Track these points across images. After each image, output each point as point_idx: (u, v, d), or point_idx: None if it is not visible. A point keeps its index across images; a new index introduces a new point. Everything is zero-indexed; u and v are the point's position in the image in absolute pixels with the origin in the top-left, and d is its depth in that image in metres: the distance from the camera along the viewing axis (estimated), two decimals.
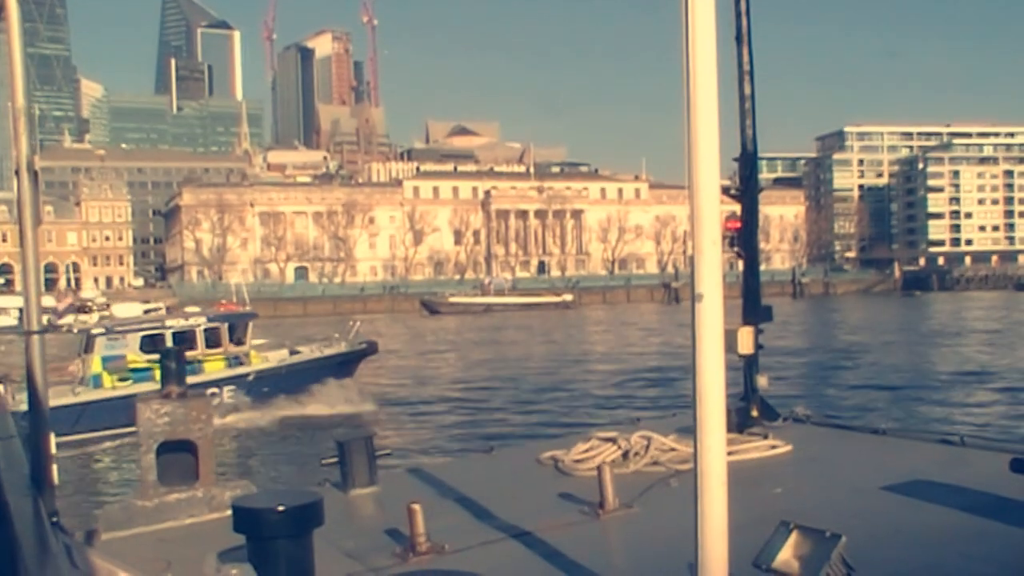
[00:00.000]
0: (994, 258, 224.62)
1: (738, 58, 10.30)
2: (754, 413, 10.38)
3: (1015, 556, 6.09)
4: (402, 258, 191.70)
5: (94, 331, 34.50)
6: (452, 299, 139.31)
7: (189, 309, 37.99)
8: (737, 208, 10.60)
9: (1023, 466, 6.43)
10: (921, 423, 25.88)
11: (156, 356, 31.98)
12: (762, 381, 10.41)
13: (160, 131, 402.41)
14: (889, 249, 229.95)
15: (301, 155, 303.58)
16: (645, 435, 9.08)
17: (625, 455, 8.96)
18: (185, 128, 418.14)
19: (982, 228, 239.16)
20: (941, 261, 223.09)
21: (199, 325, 35.47)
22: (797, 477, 8.58)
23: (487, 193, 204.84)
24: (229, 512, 5.26)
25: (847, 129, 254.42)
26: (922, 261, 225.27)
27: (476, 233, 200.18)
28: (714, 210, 3.85)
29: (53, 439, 6.55)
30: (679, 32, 3.80)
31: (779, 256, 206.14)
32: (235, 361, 35.63)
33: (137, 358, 33.03)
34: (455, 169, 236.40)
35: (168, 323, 35.71)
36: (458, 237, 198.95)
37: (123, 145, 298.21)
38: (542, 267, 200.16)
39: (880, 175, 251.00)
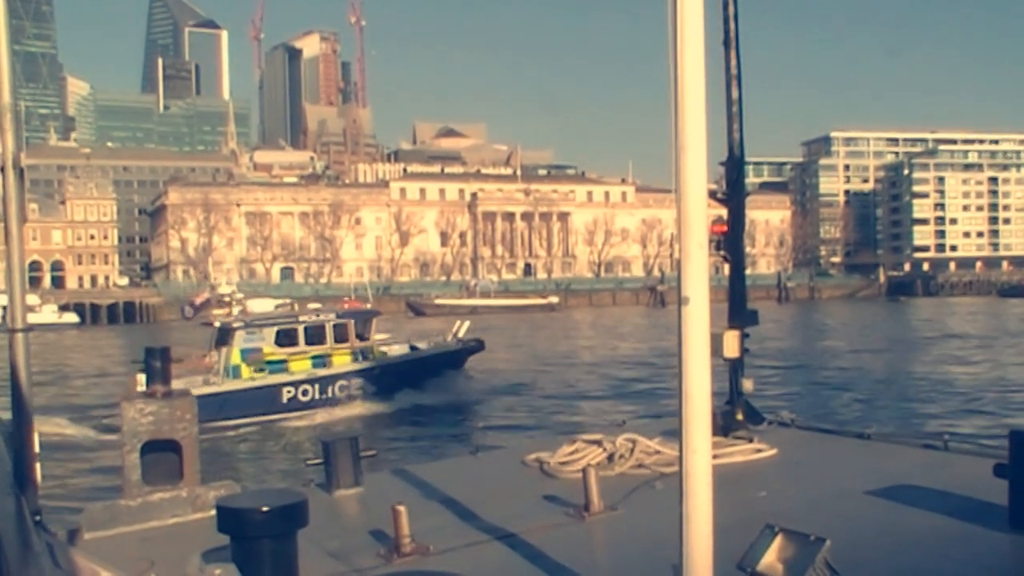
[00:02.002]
0: (978, 264, 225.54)
1: (726, 62, 10.33)
2: (739, 417, 10.41)
3: (998, 560, 6.12)
4: (388, 259, 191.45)
5: (234, 324, 35.84)
6: (438, 300, 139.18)
7: (312, 306, 40.08)
8: (723, 212, 10.64)
9: (1006, 470, 6.46)
10: (905, 427, 25.95)
11: (291, 349, 34.65)
12: (747, 385, 10.44)
13: (146, 130, 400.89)
14: (874, 254, 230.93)
15: (288, 155, 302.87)
16: (630, 438, 9.10)
17: (610, 457, 8.98)
18: (171, 127, 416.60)
19: (967, 234, 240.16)
20: (926, 267, 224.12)
21: (329, 321, 36.99)
22: (782, 480, 8.61)
23: (474, 195, 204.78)
24: (213, 512, 5.25)
25: (833, 134, 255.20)
26: (907, 267, 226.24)
27: (462, 235, 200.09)
28: (701, 214, 3.86)
29: (34, 435, 6.51)
30: (667, 36, 3.80)
31: (764, 261, 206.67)
32: (361, 355, 37.09)
33: (272, 351, 35.03)
34: (442, 170, 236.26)
35: (301, 318, 37.18)
36: (444, 239, 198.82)
37: (109, 144, 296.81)
38: (528, 269, 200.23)
39: (866, 180, 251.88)
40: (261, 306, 39.38)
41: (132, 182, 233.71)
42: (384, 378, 36.55)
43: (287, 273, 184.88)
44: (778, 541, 4.59)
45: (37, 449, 6.53)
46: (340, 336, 36.66)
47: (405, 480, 9.22)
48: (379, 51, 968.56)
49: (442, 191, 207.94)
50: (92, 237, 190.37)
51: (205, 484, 8.07)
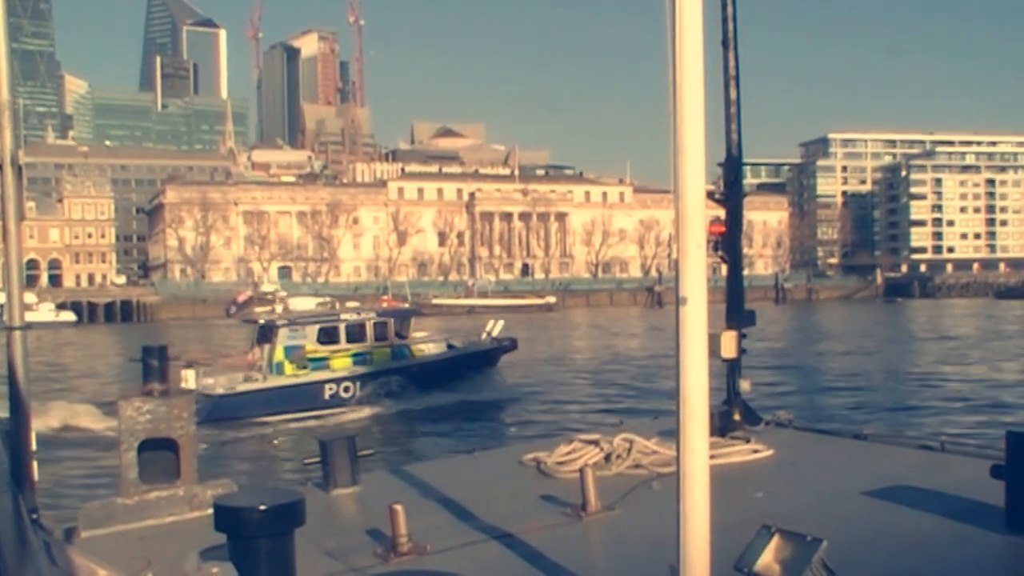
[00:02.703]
0: (975, 266, 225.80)
1: (724, 63, 10.32)
2: (736, 417, 10.41)
3: (995, 561, 6.12)
4: (386, 259, 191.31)
5: (278, 322, 36.49)
6: (435, 300, 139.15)
7: (351, 305, 40.94)
8: (721, 213, 10.63)
9: (1003, 472, 6.46)
10: (902, 428, 25.97)
11: (332, 347, 35.54)
12: (745, 385, 10.45)
13: (144, 128, 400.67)
14: (871, 256, 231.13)
15: (286, 154, 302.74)
16: (628, 438, 9.09)
17: (608, 457, 8.97)
18: (169, 126, 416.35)
19: (964, 236, 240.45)
20: (923, 268, 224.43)
21: (369, 319, 37.94)
22: (779, 481, 8.61)
23: (471, 195, 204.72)
24: (210, 511, 5.24)
25: (831, 136, 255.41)
26: (904, 268, 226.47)
27: (460, 235, 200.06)
28: (699, 214, 3.86)
29: (31, 434, 6.51)
30: (666, 36, 3.81)
31: (762, 262, 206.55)
32: (400, 352, 37.96)
33: (315, 348, 35.96)
34: (440, 170, 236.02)
35: (343, 317, 37.99)
36: (442, 238, 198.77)
37: (107, 142, 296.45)
38: (526, 269, 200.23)
39: (863, 182, 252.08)
40: (303, 304, 40.19)
41: (130, 181, 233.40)
42: (423, 376, 37.24)
43: (284, 272, 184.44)
44: (775, 541, 4.59)
45: (34, 447, 6.53)
46: (380, 334, 37.55)
47: (402, 479, 9.22)
48: (377, 51, 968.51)
49: (440, 191, 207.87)
50: (90, 236, 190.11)
51: (202, 483, 8.07)
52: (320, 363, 35.92)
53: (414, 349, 38.80)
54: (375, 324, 37.70)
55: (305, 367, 35.62)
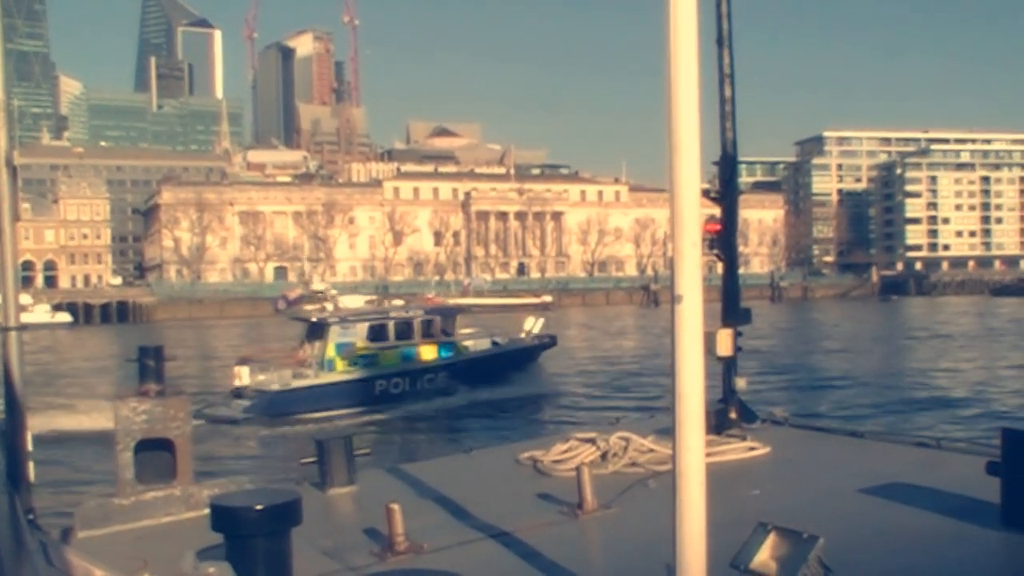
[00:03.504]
0: (971, 263, 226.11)
1: (719, 61, 10.33)
2: (732, 415, 10.42)
3: (991, 557, 6.13)
4: (382, 258, 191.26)
5: (330, 320, 37.09)
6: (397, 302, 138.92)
7: (396, 303, 41.58)
8: (717, 211, 10.65)
9: (999, 469, 6.48)
10: (898, 426, 26.01)
11: (381, 344, 36.21)
12: (740, 383, 10.45)
13: (140, 129, 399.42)
14: (867, 254, 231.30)
15: (281, 154, 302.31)
16: (624, 436, 9.11)
17: (604, 456, 8.98)
18: (165, 126, 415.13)
19: (959, 233, 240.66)
20: (919, 266, 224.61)
21: (417, 317, 38.73)
22: (775, 479, 8.62)
23: (467, 194, 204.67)
24: (207, 510, 5.24)
25: (826, 134, 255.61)
26: (900, 266, 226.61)
27: (456, 234, 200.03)
28: (694, 213, 3.87)
29: (28, 434, 6.51)
30: (662, 35, 3.82)
31: (758, 260, 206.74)
32: (446, 349, 38.76)
33: (365, 345, 36.62)
34: (436, 170, 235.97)
35: (392, 314, 38.68)
36: (438, 238, 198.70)
37: (102, 143, 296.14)
38: (522, 269, 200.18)
39: (859, 180, 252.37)
40: (352, 302, 40.63)
41: (125, 181, 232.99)
42: (469, 372, 38.02)
43: (280, 273, 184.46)
44: (771, 539, 4.60)
45: (30, 448, 6.53)
46: (427, 331, 38.30)
47: (399, 478, 9.22)
48: (373, 51, 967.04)
49: (436, 190, 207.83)
50: (85, 236, 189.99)
51: (199, 483, 8.07)
52: (370, 360, 36.63)
53: (460, 346, 39.60)
54: (422, 321, 38.48)
55: (355, 364, 36.33)
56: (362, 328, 37.04)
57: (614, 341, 77.12)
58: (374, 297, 42.40)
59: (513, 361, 40.10)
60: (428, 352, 38.11)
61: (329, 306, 39.01)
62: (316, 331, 37.18)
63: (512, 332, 43.68)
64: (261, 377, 35.90)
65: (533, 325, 42.51)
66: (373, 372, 36.49)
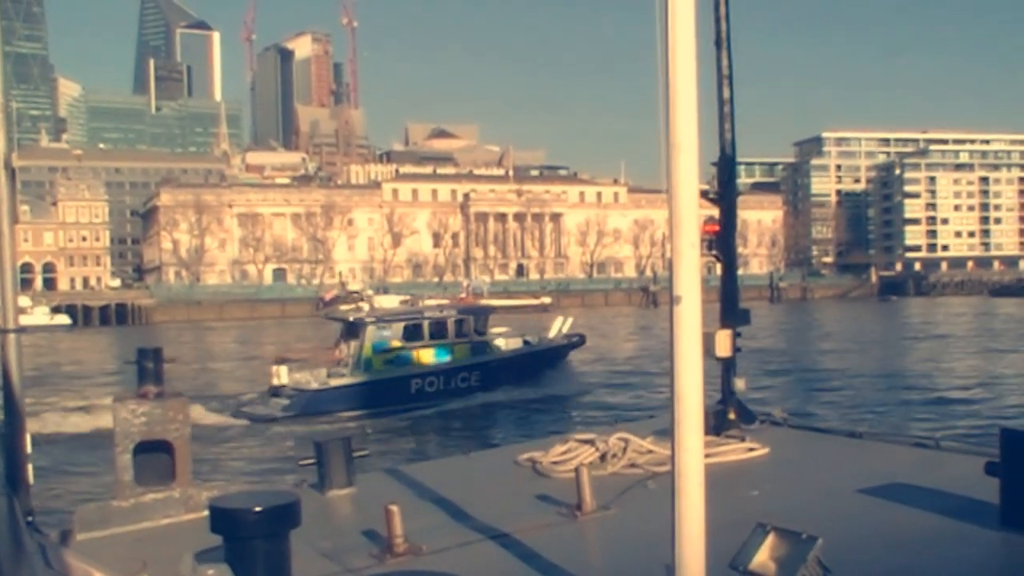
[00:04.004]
0: (970, 263, 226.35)
1: (717, 62, 10.33)
2: (731, 416, 10.41)
3: (990, 558, 6.14)
4: (380, 260, 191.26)
5: (367, 320, 37.61)
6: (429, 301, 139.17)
7: (429, 302, 42.01)
8: (715, 212, 10.64)
9: (998, 469, 6.48)
10: (897, 426, 26.03)
11: (416, 343, 36.84)
12: (739, 384, 10.45)
13: (138, 131, 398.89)
14: (866, 254, 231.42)
15: (280, 156, 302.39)
16: (623, 437, 9.10)
17: (603, 457, 8.97)
18: (163, 128, 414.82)
19: (958, 234, 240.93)
20: (918, 266, 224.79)
21: (451, 316, 39.24)
22: (774, 479, 8.61)
23: (466, 196, 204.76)
24: (206, 512, 5.23)
25: (825, 134, 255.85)
26: (899, 266, 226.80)
27: (455, 236, 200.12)
28: (693, 214, 3.87)
29: (26, 436, 6.50)
30: (659, 36, 3.81)
31: (757, 261, 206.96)
32: (479, 348, 39.28)
33: (401, 345, 37.29)
34: (434, 171, 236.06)
35: (426, 314, 39.10)
36: (437, 240, 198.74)
37: (101, 145, 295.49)
38: (521, 270, 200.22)
39: (857, 180, 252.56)
40: (388, 302, 40.89)
41: (124, 183, 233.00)
42: (502, 371, 38.67)
43: (279, 274, 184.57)
44: (770, 540, 4.60)
45: (29, 450, 6.53)
46: (461, 331, 38.87)
47: (398, 480, 9.22)
48: (371, 52, 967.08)
49: (434, 192, 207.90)
50: (84, 239, 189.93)
51: (198, 485, 8.07)
52: (405, 359, 37.23)
53: (492, 345, 40.17)
54: (456, 321, 39.00)
55: (392, 362, 36.90)
56: (398, 328, 37.62)
57: (629, 342, 77.15)
58: (408, 297, 42.82)
59: (544, 360, 40.68)
60: (462, 351, 38.67)
61: (365, 306, 39.47)
62: (352, 331, 37.66)
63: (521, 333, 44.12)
64: (299, 376, 36.73)
65: (563, 324, 42.98)
66: (409, 371, 37.05)
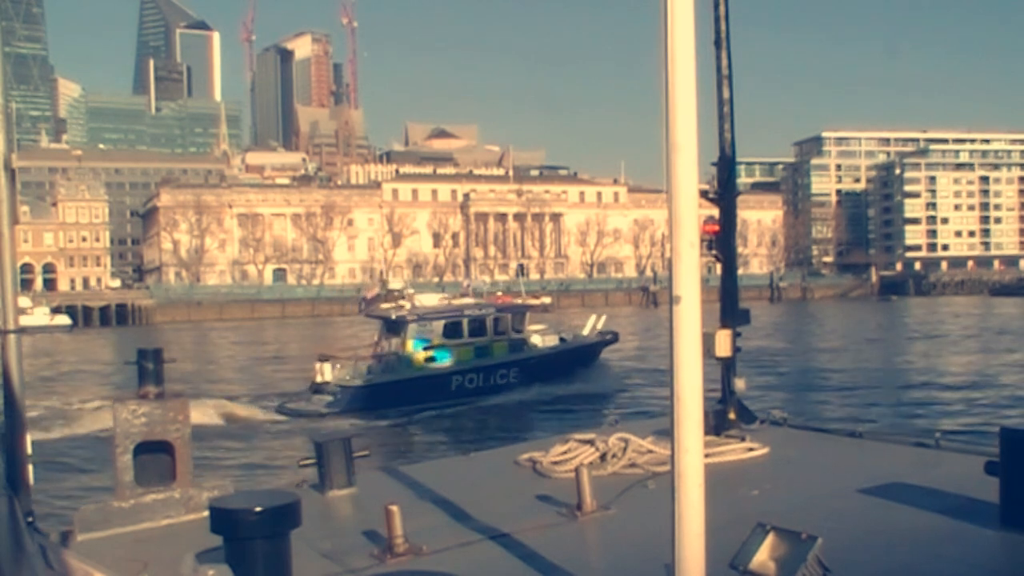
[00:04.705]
0: (970, 263, 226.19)
1: (717, 62, 10.33)
2: (731, 416, 10.42)
3: (989, 557, 6.14)
4: (380, 260, 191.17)
5: (408, 318, 38.32)
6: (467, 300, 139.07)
7: (466, 300, 42.50)
8: (715, 212, 10.65)
9: (997, 468, 6.48)
10: (897, 426, 26.01)
11: (456, 341, 37.62)
12: (739, 384, 10.45)
13: (138, 132, 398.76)
14: (866, 254, 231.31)
15: (280, 156, 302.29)
16: (623, 437, 9.10)
17: (603, 457, 8.98)
18: (163, 129, 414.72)
19: (958, 233, 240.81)
20: (918, 266, 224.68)
21: (489, 314, 39.84)
22: (774, 479, 8.62)
23: (466, 196, 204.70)
24: (206, 513, 5.23)
25: (825, 134, 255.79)
26: (899, 266, 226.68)
27: (455, 236, 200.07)
28: (692, 213, 3.87)
29: (27, 437, 6.51)
30: (658, 36, 3.82)
31: (757, 261, 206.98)
32: (517, 345, 39.93)
33: (441, 342, 38.05)
34: (434, 172, 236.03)
35: (466, 312, 39.78)
36: (437, 240, 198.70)
37: (100, 145, 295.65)
38: (521, 270, 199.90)
39: (857, 180, 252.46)
40: (428, 300, 41.55)
41: (124, 184, 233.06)
42: (538, 368, 39.20)
43: (279, 275, 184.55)
44: (770, 539, 4.60)
45: (29, 451, 6.53)
46: (499, 328, 39.59)
47: (398, 480, 9.22)
48: (371, 52, 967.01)
49: (434, 192, 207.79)
50: (84, 239, 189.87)
51: (198, 485, 8.07)
52: (445, 356, 37.85)
53: (529, 343, 40.71)
54: (494, 319, 39.65)
55: (432, 360, 37.58)
56: (438, 325, 38.52)
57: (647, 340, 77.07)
58: (446, 295, 43.38)
59: (579, 357, 41.23)
60: (500, 348, 39.33)
61: (406, 304, 39.89)
62: (394, 328, 38.37)
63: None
64: (342, 373, 37.42)
65: (596, 322, 43.44)
66: (449, 368, 37.70)
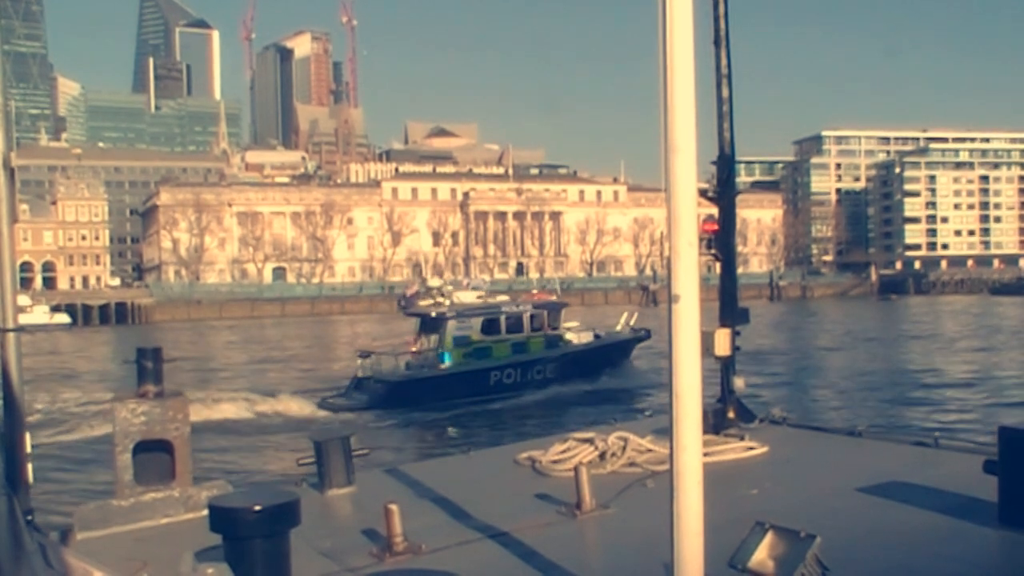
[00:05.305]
0: (970, 262, 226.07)
1: (716, 61, 10.33)
2: (730, 415, 10.42)
3: (987, 556, 6.14)
4: (380, 259, 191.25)
5: (448, 315, 39.17)
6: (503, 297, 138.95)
7: (501, 298, 43.60)
8: (714, 211, 10.65)
9: (996, 467, 6.49)
10: (896, 425, 26.01)
11: (494, 337, 38.43)
12: (738, 383, 10.45)
13: (138, 130, 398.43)
14: (866, 253, 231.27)
15: (279, 155, 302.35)
16: (622, 436, 9.10)
17: (602, 456, 8.98)
18: (163, 127, 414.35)
19: (958, 232, 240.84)
20: (917, 265, 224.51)
21: (526, 311, 40.69)
22: (773, 478, 8.61)
23: (466, 195, 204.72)
24: (206, 512, 5.24)
25: (825, 133, 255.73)
26: (898, 265, 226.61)
27: (455, 234, 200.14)
28: (691, 212, 3.87)
29: (26, 435, 6.51)
30: (658, 35, 3.82)
31: (756, 259, 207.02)
32: (553, 342, 40.79)
33: (479, 339, 38.89)
34: (434, 170, 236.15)
35: (504, 309, 40.70)
36: (436, 238, 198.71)
37: (100, 144, 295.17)
38: (520, 269, 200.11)
39: (857, 179, 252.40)
40: (466, 297, 42.31)
41: (123, 182, 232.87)
42: (574, 363, 40.05)
43: (279, 273, 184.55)
44: (769, 538, 4.60)
45: (29, 449, 6.53)
46: (536, 325, 40.46)
47: (397, 479, 9.22)
48: (370, 51, 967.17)
49: (434, 191, 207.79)
50: (83, 238, 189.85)
51: (197, 484, 8.07)
52: (484, 352, 38.74)
53: (565, 339, 41.52)
54: (531, 316, 40.47)
55: (470, 356, 38.49)
56: (477, 322, 39.22)
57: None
58: (483, 293, 43.95)
59: (613, 353, 42.02)
60: (536, 344, 40.16)
61: (445, 301, 40.61)
62: (433, 325, 39.16)
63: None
64: (382, 368, 38.49)
65: (630, 318, 44.16)
66: (488, 363, 38.58)
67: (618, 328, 44.29)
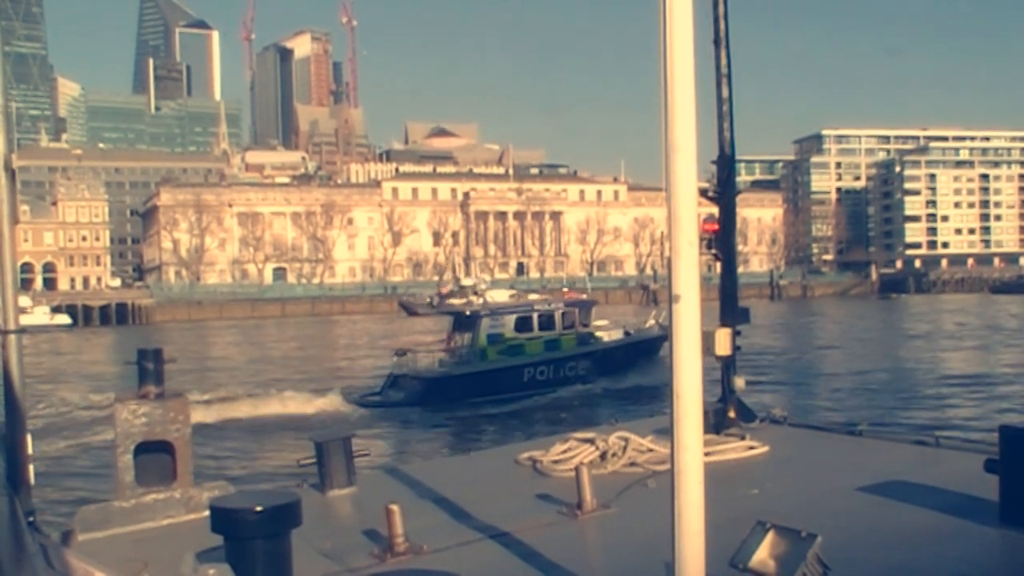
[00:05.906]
0: (970, 261, 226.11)
1: (716, 61, 10.32)
2: (731, 414, 10.40)
3: (989, 556, 6.14)
4: (380, 259, 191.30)
5: (482, 313, 40.32)
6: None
7: (532, 296, 44.32)
8: (715, 210, 10.64)
9: (997, 466, 6.48)
10: (897, 424, 26.00)
11: (527, 334, 38.99)
12: (739, 382, 10.44)
13: (138, 131, 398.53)
14: (866, 252, 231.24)
15: (280, 155, 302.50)
16: (623, 436, 9.09)
17: (603, 456, 8.97)
18: (163, 128, 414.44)
19: (958, 231, 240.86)
20: (918, 264, 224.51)
21: (558, 309, 41.43)
22: (774, 478, 8.60)
23: (466, 195, 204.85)
24: (207, 512, 5.23)
25: (825, 132, 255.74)
26: (899, 264, 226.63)
27: (455, 234, 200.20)
28: (691, 212, 3.86)
29: (27, 437, 6.51)
30: (658, 35, 3.82)
31: (757, 259, 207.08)
32: (584, 339, 41.32)
33: (513, 336, 39.51)
34: (434, 170, 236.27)
35: (536, 307, 41.59)
36: (437, 238, 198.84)
37: (100, 145, 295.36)
38: (521, 269, 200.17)
39: (857, 178, 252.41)
40: (499, 296, 43.49)
41: (124, 183, 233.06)
42: (605, 360, 40.58)
43: (279, 274, 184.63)
44: (770, 537, 4.60)
45: (30, 450, 6.53)
46: (567, 322, 40.99)
47: (398, 480, 9.22)
48: (370, 51, 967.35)
49: (434, 191, 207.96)
50: (84, 238, 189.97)
51: (198, 485, 8.07)
52: (517, 349, 39.32)
53: (596, 336, 42.21)
54: (563, 313, 41.09)
55: (504, 353, 39.10)
56: (510, 320, 39.95)
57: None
58: (515, 292, 44.29)
59: (643, 350, 42.11)
60: (568, 342, 40.57)
61: (479, 300, 41.56)
62: (467, 323, 40.03)
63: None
64: (417, 366, 39.22)
65: (658, 314, 44.45)
66: (521, 360, 39.08)
67: (648, 324, 44.80)
